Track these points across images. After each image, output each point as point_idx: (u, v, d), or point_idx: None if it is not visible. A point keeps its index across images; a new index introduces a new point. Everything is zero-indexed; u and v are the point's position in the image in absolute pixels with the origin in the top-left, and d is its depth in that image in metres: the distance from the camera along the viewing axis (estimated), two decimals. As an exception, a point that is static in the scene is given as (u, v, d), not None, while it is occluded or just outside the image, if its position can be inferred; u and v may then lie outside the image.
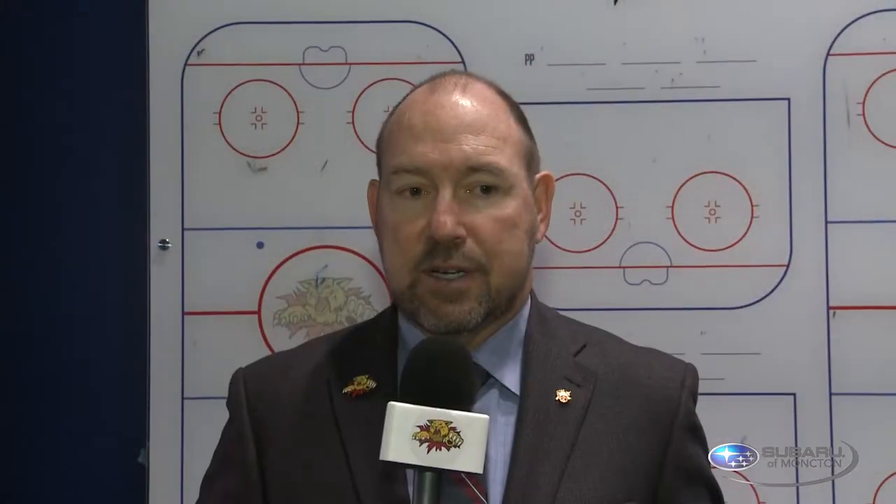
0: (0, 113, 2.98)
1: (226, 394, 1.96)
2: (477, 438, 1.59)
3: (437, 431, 1.58)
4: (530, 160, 1.89)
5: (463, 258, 1.80)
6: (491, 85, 1.90)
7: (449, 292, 1.80)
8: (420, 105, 1.85)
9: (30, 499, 2.96)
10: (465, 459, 1.59)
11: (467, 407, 1.63)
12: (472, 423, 1.60)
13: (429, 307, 1.81)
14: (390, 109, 1.91)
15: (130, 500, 2.89)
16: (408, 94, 1.91)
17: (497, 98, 1.88)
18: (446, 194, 1.79)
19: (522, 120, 1.90)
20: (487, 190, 1.81)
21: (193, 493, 1.98)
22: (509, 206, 1.82)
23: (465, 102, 1.84)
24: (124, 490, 2.92)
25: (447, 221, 1.78)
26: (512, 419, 1.83)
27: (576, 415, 1.84)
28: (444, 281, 1.80)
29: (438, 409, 1.59)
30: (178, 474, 2.84)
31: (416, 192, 1.82)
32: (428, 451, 1.58)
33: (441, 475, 1.59)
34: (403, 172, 1.82)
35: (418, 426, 1.58)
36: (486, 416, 1.61)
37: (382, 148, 1.90)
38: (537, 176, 1.91)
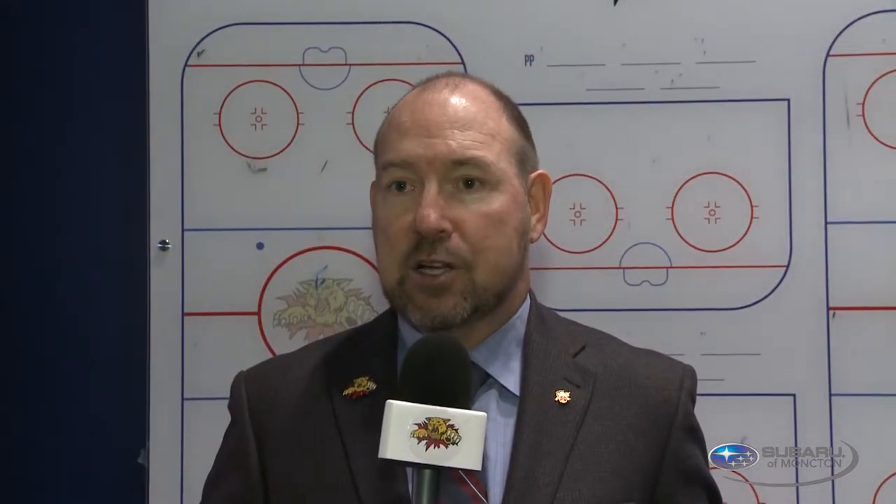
0: (0, 113, 2.98)
1: (226, 394, 1.97)
2: (475, 436, 1.60)
3: (435, 429, 1.59)
4: (523, 159, 1.89)
5: (447, 253, 1.81)
6: (486, 85, 1.91)
7: (434, 287, 1.81)
8: (409, 105, 1.87)
9: (30, 499, 2.96)
10: (464, 457, 1.60)
11: (465, 404, 1.65)
12: (469, 421, 1.61)
13: (415, 302, 1.82)
14: (390, 110, 1.92)
15: (130, 501, 2.88)
16: (402, 97, 1.92)
17: (489, 97, 1.88)
18: (432, 188, 1.80)
19: (517, 120, 1.91)
20: (473, 184, 1.82)
21: (193, 493, 1.99)
22: (496, 202, 1.83)
23: (454, 101, 1.85)
24: (124, 490, 2.91)
25: (430, 214, 1.79)
26: (511, 419, 1.84)
27: (575, 416, 1.85)
28: (430, 276, 1.81)
29: (436, 407, 1.60)
30: (178, 475, 2.84)
31: (402, 186, 1.83)
32: (426, 449, 1.59)
33: (440, 473, 1.60)
34: (391, 167, 1.84)
35: (416, 424, 1.59)
36: (483, 414, 1.63)
37: (376, 149, 1.92)
38: (533, 174, 1.91)
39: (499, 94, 1.91)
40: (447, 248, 1.80)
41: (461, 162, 1.81)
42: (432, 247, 1.80)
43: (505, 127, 1.87)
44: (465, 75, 1.94)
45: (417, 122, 1.83)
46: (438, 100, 1.85)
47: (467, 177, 1.82)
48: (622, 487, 1.83)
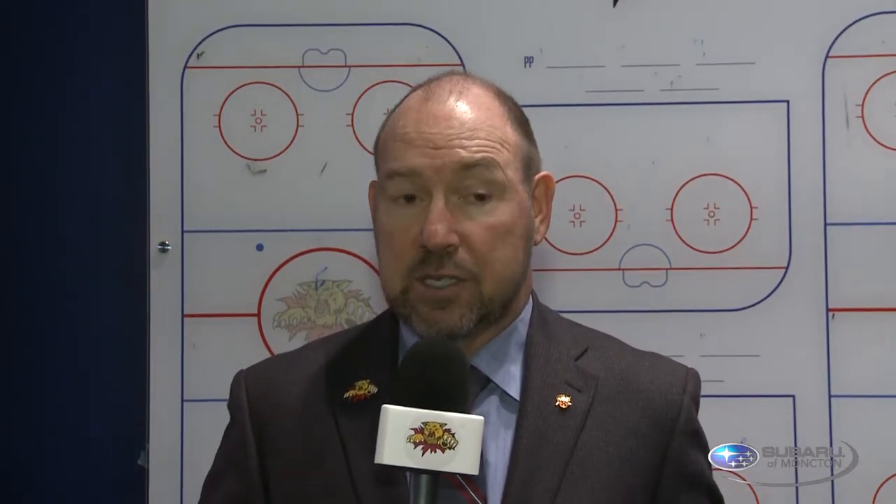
0: (0, 113, 2.98)
1: (226, 396, 1.97)
2: (472, 440, 1.59)
3: (432, 434, 1.58)
4: (528, 164, 1.87)
5: (455, 266, 1.80)
6: (489, 88, 1.89)
7: (439, 299, 1.80)
8: (414, 113, 1.84)
9: (30, 499, 2.96)
10: (460, 461, 1.59)
11: (462, 408, 1.63)
12: (466, 425, 1.60)
13: (420, 314, 1.81)
14: (391, 112, 1.91)
15: (130, 502, 2.89)
16: (404, 98, 1.90)
17: (494, 103, 1.86)
18: (439, 202, 1.79)
19: (522, 123, 1.89)
20: (481, 197, 1.81)
21: (193, 494, 1.99)
22: (504, 213, 1.82)
23: (459, 111, 1.82)
24: (124, 492, 2.92)
25: (439, 230, 1.78)
26: (512, 424, 1.84)
27: (575, 420, 1.84)
28: (435, 289, 1.80)
29: (432, 412, 1.59)
30: (178, 476, 2.84)
31: (410, 198, 1.82)
32: (423, 454, 1.58)
33: (437, 477, 1.59)
34: (397, 176, 1.82)
35: (412, 429, 1.58)
36: (480, 418, 1.62)
37: (378, 152, 1.90)
38: (537, 176, 1.90)
39: (502, 97, 1.89)
40: (455, 262, 1.79)
41: (470, 165, 1.80)
42: (440, 261, 1.79)
43: (510, 134, 1.85)
44: (468, 76, 1.91)
45: (423, 134, 1.81)
46: (443, 111, 1.82)
47: (477, 181, 1.80)
48: (622, 493, 1.82)
